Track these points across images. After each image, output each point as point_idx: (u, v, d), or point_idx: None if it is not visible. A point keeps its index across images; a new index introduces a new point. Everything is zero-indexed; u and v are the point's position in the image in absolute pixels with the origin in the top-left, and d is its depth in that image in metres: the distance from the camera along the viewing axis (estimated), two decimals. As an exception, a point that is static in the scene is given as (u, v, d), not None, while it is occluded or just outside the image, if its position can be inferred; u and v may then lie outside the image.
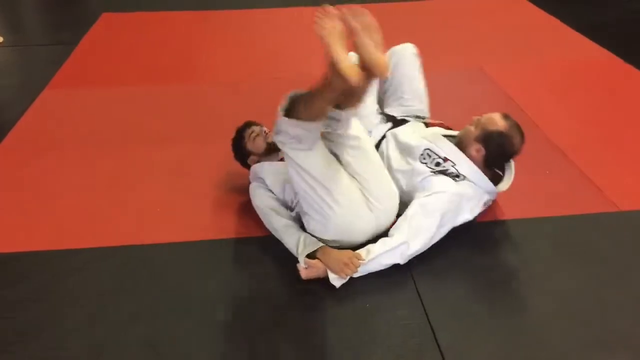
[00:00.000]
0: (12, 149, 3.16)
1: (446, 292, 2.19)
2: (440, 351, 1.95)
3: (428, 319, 2.07)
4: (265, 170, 2.50)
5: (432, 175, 2.39)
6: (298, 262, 2.23)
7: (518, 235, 2.47)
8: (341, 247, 2.25)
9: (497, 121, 2.40)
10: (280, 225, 2.35)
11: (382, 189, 2.30)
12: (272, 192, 2.46)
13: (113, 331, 2.04)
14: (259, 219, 2.48)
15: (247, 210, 2.58)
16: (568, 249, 2.40)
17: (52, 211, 2.65)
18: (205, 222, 2.57)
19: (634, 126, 3.34)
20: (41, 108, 3.60)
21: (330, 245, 2.25)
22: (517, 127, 2.41)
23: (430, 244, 2.30)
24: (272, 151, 2.66)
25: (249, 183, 2.58)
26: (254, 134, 2.66)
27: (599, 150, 3.09)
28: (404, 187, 2.46)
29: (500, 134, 2.38)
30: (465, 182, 2.38)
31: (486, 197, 2.45)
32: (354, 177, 2.25)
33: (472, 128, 2.44)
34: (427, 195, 2.33)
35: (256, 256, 2.37)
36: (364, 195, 2.25)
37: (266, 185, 2.48)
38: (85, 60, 4.31)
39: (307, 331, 2.04)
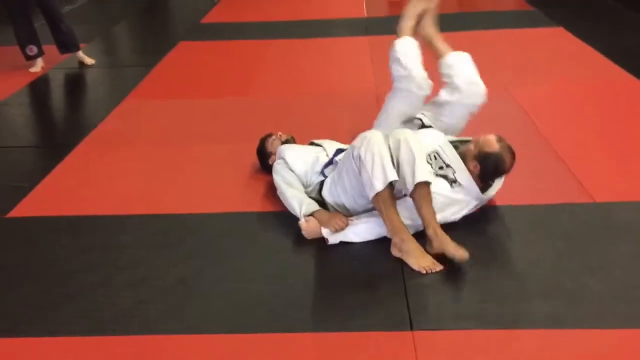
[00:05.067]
0: (93, 143, 3.88)
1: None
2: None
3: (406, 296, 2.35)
4: (286, 151, 3.06)
5: (433, 177, 2.69)
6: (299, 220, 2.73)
7: (500, 220, 2.82)
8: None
9: (492, 143, 2.71)
10: (289, 194, 2.87)
11: None
12: (292, 170, 2.97)
13: (153, 271, 2.57)
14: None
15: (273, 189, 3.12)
16: (542, 232, 2.73)
17: (116, 188, 3.28)
18: (239, 198, 3.14)
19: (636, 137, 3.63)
20: (119, 114, 4.33)
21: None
22: (509, 149, 2.72)
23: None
24: None
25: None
26: (271, 139, 3.31)
27: (598, 157, 3.38)
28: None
29: (493, 155, 2.70)
30: (459, 188, 2.71)
31: (474, 203, 2.77)
32: None
33: (472, 147, 2.76)
34: None
35: (259, 227, 2.89)
36: None
37: (287, 163, 2.99)
38: (160, 78, 5.06)
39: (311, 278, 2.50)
